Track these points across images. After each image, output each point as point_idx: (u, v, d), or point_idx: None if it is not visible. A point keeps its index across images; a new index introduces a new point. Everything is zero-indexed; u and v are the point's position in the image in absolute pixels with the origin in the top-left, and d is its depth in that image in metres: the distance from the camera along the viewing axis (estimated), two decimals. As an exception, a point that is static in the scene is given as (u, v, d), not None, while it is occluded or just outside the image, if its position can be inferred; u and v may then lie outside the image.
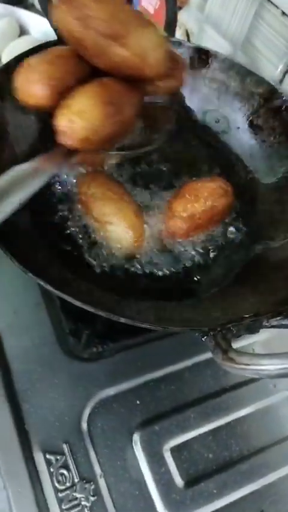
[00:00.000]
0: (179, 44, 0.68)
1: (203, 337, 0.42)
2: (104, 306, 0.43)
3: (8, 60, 0.59)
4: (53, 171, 0.46)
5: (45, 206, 0.55)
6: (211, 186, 0.56)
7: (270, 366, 0.33)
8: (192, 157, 0.66)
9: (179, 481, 0.51)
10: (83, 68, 0.49)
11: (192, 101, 0.70)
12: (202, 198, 0.54)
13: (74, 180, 0.57)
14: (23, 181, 0.43)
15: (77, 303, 0.41)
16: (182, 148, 0.66)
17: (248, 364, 0.35)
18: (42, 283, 0.41)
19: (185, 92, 0.70)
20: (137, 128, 0.55)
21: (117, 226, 0.52)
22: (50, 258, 0.51)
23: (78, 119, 0.44)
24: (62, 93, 0.46)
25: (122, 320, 0.41)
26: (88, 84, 0.47)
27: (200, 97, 0.70)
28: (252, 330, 0.45)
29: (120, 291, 0.49)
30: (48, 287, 0.41)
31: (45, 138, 0.60)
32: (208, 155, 0.66)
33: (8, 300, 0.58)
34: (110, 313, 0.41)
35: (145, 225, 0.54)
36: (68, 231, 0.54)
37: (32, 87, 0.46)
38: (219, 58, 0.68)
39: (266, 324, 0.45)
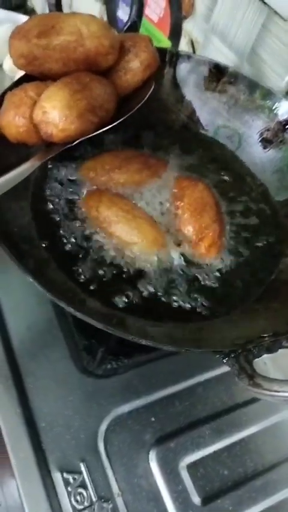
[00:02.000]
0: (189, 57, 0.68)
1: (224, 358, 0.43)
2: (123, 327, 0.43)
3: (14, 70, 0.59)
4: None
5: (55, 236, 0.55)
6: None
7: (301, 394, 0.34)
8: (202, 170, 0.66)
9: (195, 498, 0.51)
10: None
11: (202, 114, 0.70)
12: None
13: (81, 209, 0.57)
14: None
15: (99, 326, 0.41)
16: (193, 161, 0.66)
17: (278, 391, 0.35)
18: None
19: (195, 105, 0.70)
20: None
21: (142, 245, 0.52)
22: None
23: (51, 108, 0.48)
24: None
25: (143, 342, 0.41)
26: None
27: (210, 110, 0.70)
28: (272, 350, 0.45)
29: (138, 312, 0.49)
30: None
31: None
32: (219, 168, 0.66)
33: (20, 316, 0.58)
34: (131, 335, 0.41)
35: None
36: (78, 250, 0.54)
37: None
38: (228, 71, 0.68)
39: (286, 344, 0.45)
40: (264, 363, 0.61)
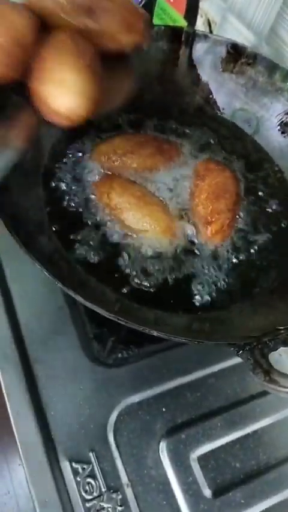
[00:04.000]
0: (205, 37, 0.66)
1: (239, 351, 0.41)
2: (136, 318, 0.42)
3: None
4: None
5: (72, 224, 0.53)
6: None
7: None
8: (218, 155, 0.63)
9: (206, 490, 0.50)
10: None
11: (219, 96, 0.68)
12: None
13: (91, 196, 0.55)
14: None
15: (111, 316, 0.40)
16: (208, 145, 0.64)
17: (296, 388, 0.33)
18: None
19: (212, 87, 0.68)
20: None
21: (153, 231, 0.51)
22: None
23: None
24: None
25: (155, 334, 0.40)
26: (53, 46, 0.43)
27: (227, 93, 0.67)
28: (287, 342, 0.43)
29: (149, 301, 0.48)
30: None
31: (68, 138, 0.59)
32: (236, 152, 0.64)
33: (31, 304, 0.57)
34: (144, 326, 0.40)
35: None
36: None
37: None
38: (247, 52, 0.66)
39: (303, 337, 0.43)
40: (280, 355, 0.60)
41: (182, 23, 0.83)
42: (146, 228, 0.51)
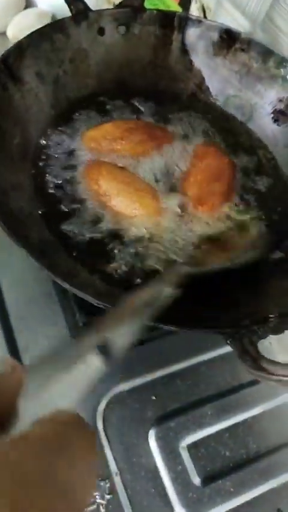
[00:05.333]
0: (199, 22, 0.65)
1: (228, 339, 0.41)
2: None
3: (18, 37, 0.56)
4: None
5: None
6: None
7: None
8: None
9: (195, 479, 0.50)
10: None
11: (212, 83, 0.67)
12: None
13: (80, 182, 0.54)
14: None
15: (100, 304, 0.40)
16: (201, 131, 0.63)
17: (285, 376, 0.33)
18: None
19: (205, 73, 0.67)
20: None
21: (143, 216, 0.50)
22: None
23: None
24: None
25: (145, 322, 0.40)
26: None
27: (220, 79, 0.66)
28: (278, 331, 0.43)
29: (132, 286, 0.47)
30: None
31: (57, 123, 0.59)
32: (229, 139, 0.63)
33: (19, 291, 0.56)
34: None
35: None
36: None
37: None
38: (240, 38, 0.65)
39: (293, 324, 0.43)
40: (270, 343, 0.59)
41: (175, 7, 0.82)
42: (135, 213, 0.50)
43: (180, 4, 0.84)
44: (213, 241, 0.52)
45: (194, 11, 0.89)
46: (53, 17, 0.97)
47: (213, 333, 0.41)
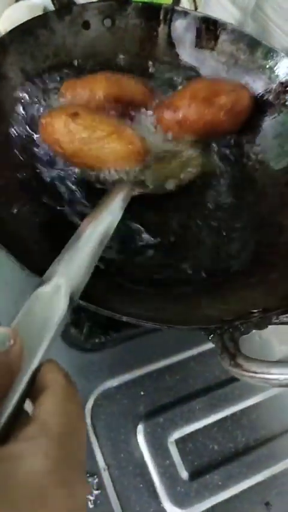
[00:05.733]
0: (185, 13, 0.64)
1: (210, 335, 0.41)
2: (103, 303, 0.41)
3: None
4: None
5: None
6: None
7: (280, 376, 0.32)
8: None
9: (183, 473, 0.51)
10: None
11: (200, 75, 0.66)
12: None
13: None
14: None
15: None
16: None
17: (257, 372, 0.33)
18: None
19: (193, 65, 0.66)
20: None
21: (118, 143, 0.50)
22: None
23: None
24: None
25: (124, 319, 0.40)
26: None
27: (208, 71, 0.66)
28: (260, 326, 0.43)
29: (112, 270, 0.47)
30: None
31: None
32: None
33: (8, 290, 0.56)
34: (113, 312, 0.40)
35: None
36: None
37: None
38: (228, 29, 0.64)
39: (276, 320, 0.43)
40: (259, 336, 0.59)
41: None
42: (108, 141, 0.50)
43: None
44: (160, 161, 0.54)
45: (184, 1, 0.88)
46: (45, 9, 0.96)
47: (195, 329, 0.41)
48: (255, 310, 0.43)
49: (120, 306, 0.44)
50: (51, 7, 0.95)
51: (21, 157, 0.53)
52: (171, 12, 0.64)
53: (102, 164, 0.51)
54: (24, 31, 0.56)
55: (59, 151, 0.52)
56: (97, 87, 0.54)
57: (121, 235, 0.49)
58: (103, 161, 0.51)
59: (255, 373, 0.33)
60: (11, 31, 0.54)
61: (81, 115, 0.50)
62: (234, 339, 0.40)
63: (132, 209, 0.48)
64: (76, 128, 0.49)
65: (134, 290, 0.47)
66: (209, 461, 0.52)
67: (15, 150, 0.53)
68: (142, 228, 0.52)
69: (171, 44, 0.66)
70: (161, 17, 0.64)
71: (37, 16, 0.58)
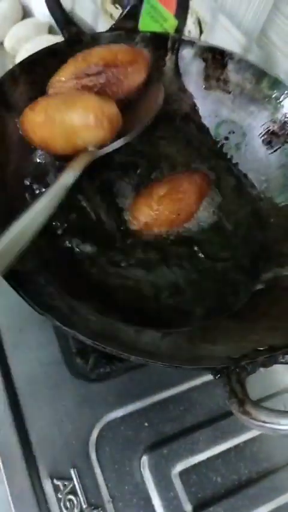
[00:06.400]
0: (192, 43, 0.65)
1: (216, 375, 0.41)
2: (112, 341, 0.41)
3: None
4: None
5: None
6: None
7: (290, 427, 0.32)
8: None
9: (187, 505, 0.51)
10: None
11: (206, 104, 0.67)
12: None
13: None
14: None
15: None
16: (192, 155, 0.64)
17: (266, 422, 0.33)
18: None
19: (198, 95, 0.67)
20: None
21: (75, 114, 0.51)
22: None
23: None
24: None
25: (132, 359, 0.40)
26: None
27: (214, 100, 0.66)
28: (266, 365, 0.43)
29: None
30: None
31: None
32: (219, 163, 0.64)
33: (13, 317, 0.57)
34: (121, 352, 0.40)
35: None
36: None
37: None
38: (234, 58, 0.65)
39: (282, 359, 0.43)
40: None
41: (173, 21, 0.82)
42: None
43: (176, 16, 0.83)
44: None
45: (190, 24, 0.89)
46: (51, 27, 0.97)
47: (201, 370, 0.42)
48: (261, 348, 0.43)
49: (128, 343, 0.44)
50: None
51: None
52: (179, 42, 0.64)
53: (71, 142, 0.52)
54: (35, 62, 0.56)
55: (37, 143, 0.53)
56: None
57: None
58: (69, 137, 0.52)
59: (264, 422, 0.33)
60: (21, 62, 0.55)
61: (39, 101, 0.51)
62: (240, 381, 0.40)
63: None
64: (33, 114, 0.51)
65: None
66: (213, 494, 0.52)
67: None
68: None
69: (177, 72, 0.66)
70: (169, 46, 0.65)
71: (47, 47, 0.58)
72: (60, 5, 0.59)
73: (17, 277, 0.41)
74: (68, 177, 0.47)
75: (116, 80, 0.55)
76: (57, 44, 0.59)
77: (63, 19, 0.59)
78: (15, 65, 0.55)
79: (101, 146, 0.52)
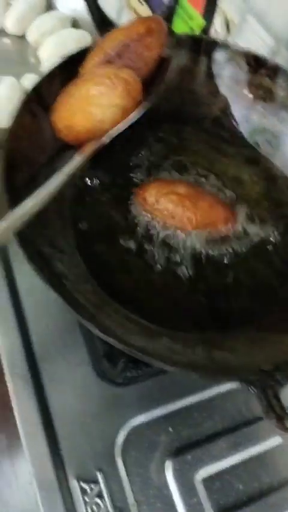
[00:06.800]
0: (226, 47, 0.64)
1: (249, 387, 0.41)
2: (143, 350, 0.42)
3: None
4: None
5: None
6: None
7: None
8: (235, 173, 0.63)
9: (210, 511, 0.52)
10: None
11: (237, 108, 0.66)
12: None
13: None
14: None
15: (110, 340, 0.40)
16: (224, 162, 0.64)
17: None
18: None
19: (230, 98, 0.66)
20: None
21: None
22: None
23: None
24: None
25: (168, 368, 0.41)
26: None
27: (245, 105, 0.66)
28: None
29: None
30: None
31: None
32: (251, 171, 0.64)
33: (42, 319, 0.57)
34: (158, 361, 0.40)
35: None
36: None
37: None
38: (268, 64, 0.64)
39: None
40: None
41: (200, 21, 0.81)
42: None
43: (204, 17, 0.83)
44: None
45: (218, 25, 0.88)
46: (74, 21, 0.96)
47: (234, 380, 0.42)
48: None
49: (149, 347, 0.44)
50: (80, 19, 0.95)
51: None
52: (213, 45, 0.64)
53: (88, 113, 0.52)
54: (72, 62, 0.56)
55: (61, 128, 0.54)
56: None
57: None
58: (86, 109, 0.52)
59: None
60: (59, 64, 0.54)
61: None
62: (276, 395, 0.40)
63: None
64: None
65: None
66: (235, 501, 0.52)
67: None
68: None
69: (210, 75, 0.66)
70: (202, 49, 0.64)
71: (83, 49, 0.57)
72: (97, 4, 0.58)
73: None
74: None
75: (138, 55, 0.54)
76: (91, 46, 0.58)
77: (99, 17, 0.59)
78: (55, 67, 0.54)
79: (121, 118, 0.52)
